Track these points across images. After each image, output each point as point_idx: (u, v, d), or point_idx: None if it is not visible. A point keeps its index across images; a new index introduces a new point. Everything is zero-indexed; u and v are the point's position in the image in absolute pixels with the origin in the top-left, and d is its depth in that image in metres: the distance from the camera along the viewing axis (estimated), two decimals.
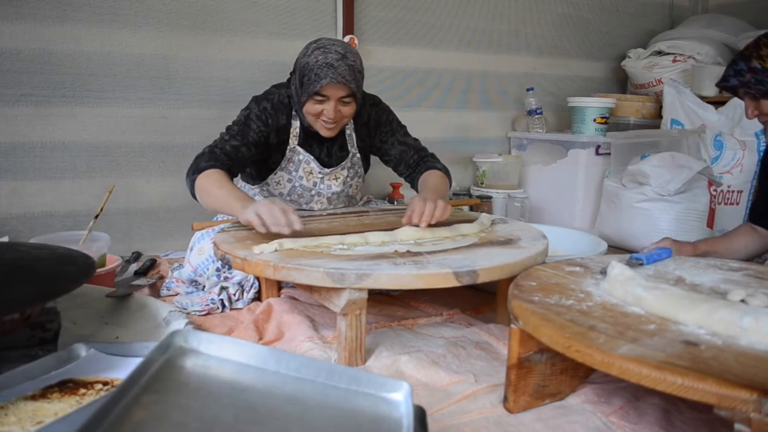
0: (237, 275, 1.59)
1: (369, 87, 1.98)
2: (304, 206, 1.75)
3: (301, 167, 1.71)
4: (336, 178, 1.75)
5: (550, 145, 2.71)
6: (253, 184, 1.79)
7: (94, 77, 2.01)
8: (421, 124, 2.68)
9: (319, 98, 1.55)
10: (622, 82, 3.23)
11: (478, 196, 2.68)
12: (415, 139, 1.81)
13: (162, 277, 1.82)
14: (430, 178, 1.68)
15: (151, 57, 2.07)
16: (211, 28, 2.15)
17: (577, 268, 1.20)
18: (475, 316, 1.51)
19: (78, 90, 1.99)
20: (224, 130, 1.63)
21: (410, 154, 1.77)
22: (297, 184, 1.72)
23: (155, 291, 1.69)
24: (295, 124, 1.68)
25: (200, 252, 1.62)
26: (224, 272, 1.59)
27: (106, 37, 2.00)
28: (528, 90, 2.78)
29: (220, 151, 1.57)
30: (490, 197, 2.64)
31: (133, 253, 2.07)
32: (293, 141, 1.69)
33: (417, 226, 1.39)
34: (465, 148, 2.82)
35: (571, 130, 2.72)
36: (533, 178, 2.78)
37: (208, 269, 1.60)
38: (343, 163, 1.74)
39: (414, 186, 1.76)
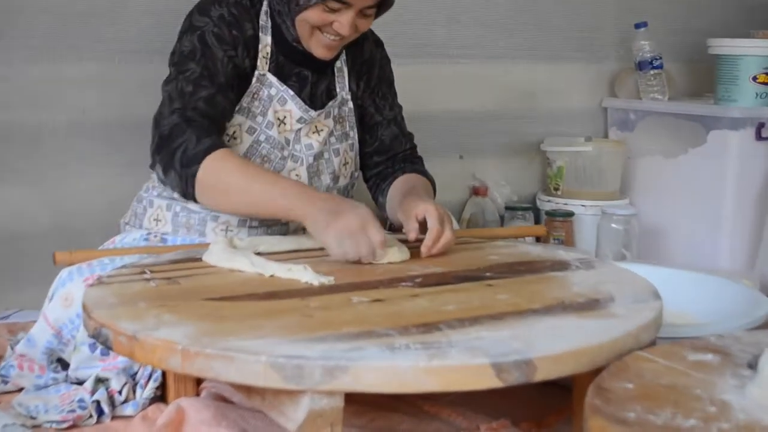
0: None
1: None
2: None
3: (272, 109, 1.85)
4: (317, 131, 1.88)
5: (677, 123, 2.71)
6: None
7: None
8: (448, 85, 2.71)
9: (336, 6, 1.72)
10: None
11: (550, 213, 2.69)
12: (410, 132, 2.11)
13: None
14: (420, 182, 1.95)
15: None
16: None
17: (710, 356, 1.21)
18: (537, 431, 1.53)
19: None
20: (173, 74, 1.79)
21: (404, 146, 2.05)
22: (262, 138, 1.85)
23: None
24: (264, 40, 1.84)
25: (65, 301, 1.66)
26: None
27: None
28: (638, 26, 2.79)
29: (196, 113, 1.72)
30: (571, 214, 2.66)
31: None
32: (263, 65, 1.84)
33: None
34: (526, 127, 2.84)
35: (714, 97, 2.73)
36: (646, 179, 2.79)
37: (77, 331, 1.63)
38: (330, 104, 1.91)
39: (382, 188, 2.00)
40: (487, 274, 1.56)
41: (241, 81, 1.82)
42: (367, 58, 2.01)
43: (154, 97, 1.85)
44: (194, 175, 1.66)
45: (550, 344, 1.18)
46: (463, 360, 1.13)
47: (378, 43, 2.06)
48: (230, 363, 1.13)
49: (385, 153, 2.02)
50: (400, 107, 2.09)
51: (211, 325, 1.24)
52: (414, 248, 1.68)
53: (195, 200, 1.71)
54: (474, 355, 1.14)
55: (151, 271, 1.53)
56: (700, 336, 1.39)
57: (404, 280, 1.50)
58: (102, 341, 1.27)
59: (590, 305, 1.38)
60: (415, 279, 1.51)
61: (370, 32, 2.02)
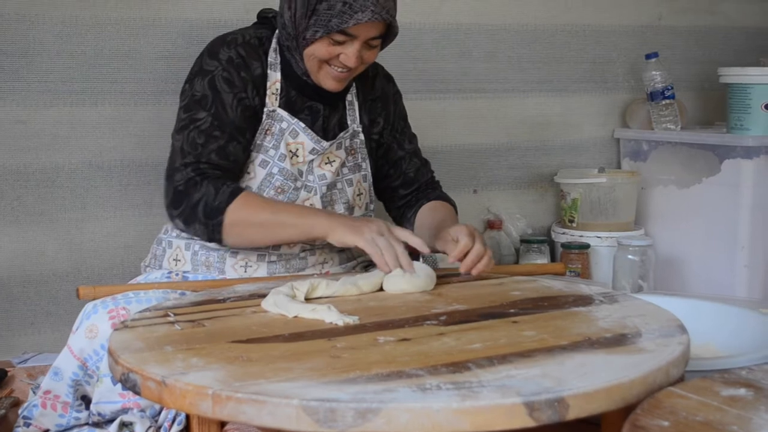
0: None
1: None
2: None
3: (284, 142, 1.88)
4: (329, 162, 1.92)
5: (690, 152, 2.72)
6: None
7: None
8: (460, 120, 2.72)
9: (341, 38, 1.76)
10: None
11: (565, 246, 2.69)
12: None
13: (17, 403, 1.84)
14: (445, 209, 2.03)
15: None
16: None
17: (742, 390, 1.20)
18: None
19: None
20: (184, 122, 1.82)
21: (426, 177, 2.11)
22: (275, 170, 1.88)
23: (5, 429, 1.72)
24: (274, 76, 1.89)
25: (90, 332, 1.67)
26: None
27: None
28: (649, 57, 2.80)
29: (209, 166, 1.78)
30: (587, 246, 2.66)
31: None
32: (272, 102, 1.88)
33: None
34: (541, 159, 2.85)
35: (727, 125, 2.73)
36: (661, 209, 2.79)
37: (101, 362, 1.64)
38: (341, 135, 1.94)
39: (408, 216, 2.06)
40: (511, 310, 1.55)
41: (253, 120, 1.86)
42: (380, 95, 2.04)
43: (169, 139, 1.88)
44: (221, 224, 1.73)
45: (581, 382, 1.17)
46: (495, 400, 1.12)
47: (389, 79, 2.09)
48: (262, 407, 1.12)
49: (411, 186, 2.07)
50: (415, 136, 2.13)
51: (240, 369, 1.24)
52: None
53: (221, 244, 1.80)
54: (505, 394, 1.13)
55: (175, 314, 1.53)
56: (728, 368, 1.39)
57: (429, 318, 1.50)
58: (130, 386, 1.26)
59: (617, 340, 1.37)
60: (439, 317, 1.51)
61: (381, 68, 2.06)
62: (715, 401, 1.16)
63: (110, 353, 1.33)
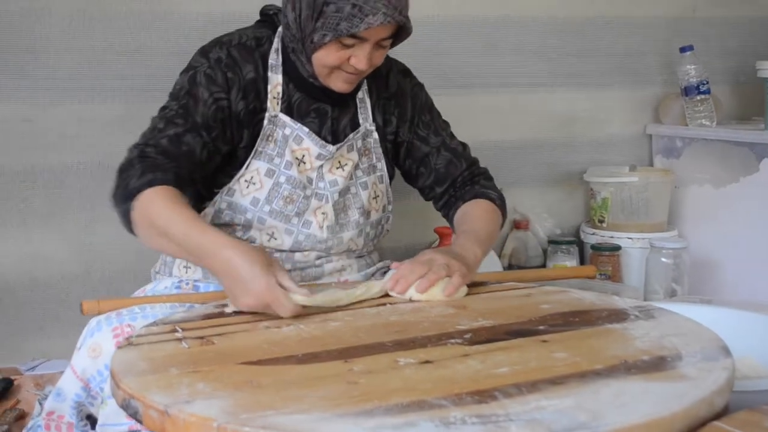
0: None
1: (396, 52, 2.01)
2: (294, 223, 1.84)
3: (288, 148, 1.83)
4: (341, 166, 1.87)
5: (727, 149, 2.68)
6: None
7: None
8: (485, 116, 2.70)
9: (351, 42, 1.71)
10: None
11: (595, 247, 2.66)
12: (464, 145, 2.06)
13: (23, 416, 1.84)
14: (476, 212, 1.93)
15: (3, 14, 2.11)
16: None
17: None
18: None
19: None
20: (157, 112, 1.80)
21: (460, 169, 2.01)
22: (282, 179, 1.82)
23: None
24: (275, 79, 1.83)
25: (93, 352, 1.64)
26: None
27: None
28: (683, 50, 2.76)
29: (155, 150, 1.70)
30: (618, 248, 2.62)
31: None
32: (274, 107, 1.82)
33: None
34: (569, 156, 2.82)
35: (765, 121, 2.70)
36: (696, 210, 2.76)
37: (105, 383, 1.61)
38: (351, 136, 1.89)
39: (449, 218, 2.01)
40: (540, 327, 1.49)
41: (228, 124, 1.79)
42: (395, 92, 1.98)
43: None
44: (128, 212, 1.62)
45: (618, 415, 1.10)
46: None
47: (405, 73, 2.03)
48: None
49: (445, 182, 1.99)
50: (447, 124, 2.05)
51: (249, 396, 1.18)
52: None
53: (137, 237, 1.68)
54: (536, 430, 1.06)
55: (183, 329, 1.48)
56: None
57: (453, 336, 1.44)
58: (132, 413, 1.21)
59: (656, 365, 1.30)
60: (464, 335, 1.44)
61: (395, 62, 2.01)
62: None
63: (112, 375, 1.29)
